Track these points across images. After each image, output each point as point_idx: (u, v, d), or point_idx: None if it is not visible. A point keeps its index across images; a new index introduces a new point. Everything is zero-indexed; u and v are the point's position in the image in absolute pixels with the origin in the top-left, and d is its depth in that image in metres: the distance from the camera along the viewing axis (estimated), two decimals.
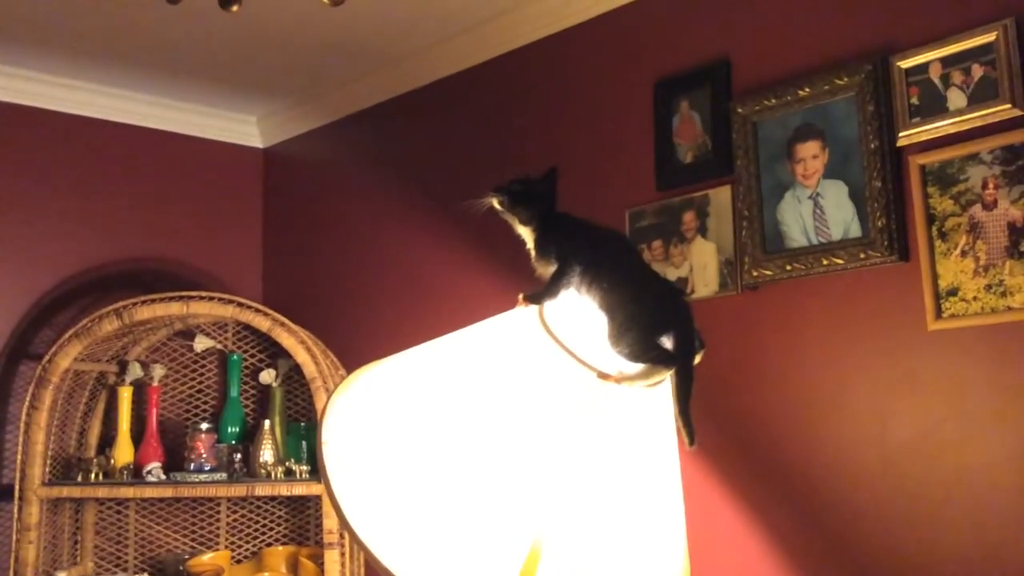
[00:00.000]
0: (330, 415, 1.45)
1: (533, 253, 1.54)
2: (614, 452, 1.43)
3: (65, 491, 2.90)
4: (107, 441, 3.14)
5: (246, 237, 3.77)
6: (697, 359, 1.46)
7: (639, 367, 1.40)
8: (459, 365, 1.49)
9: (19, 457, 2.86)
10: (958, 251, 1.92)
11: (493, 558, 1.33)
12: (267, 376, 3.20)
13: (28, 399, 2.88)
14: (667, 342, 1.41)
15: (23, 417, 2.87)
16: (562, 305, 1.48)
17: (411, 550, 1.32)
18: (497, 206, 1.58)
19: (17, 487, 2.85)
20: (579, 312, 1.47)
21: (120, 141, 3.48)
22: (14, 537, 2.83)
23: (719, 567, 2.22)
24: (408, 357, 1.53)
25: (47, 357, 2.89)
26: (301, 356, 2.88)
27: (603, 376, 1.39)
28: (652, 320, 1.41)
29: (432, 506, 1.35)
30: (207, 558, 2.98)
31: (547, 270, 1.51)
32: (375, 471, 1.39)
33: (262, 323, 2.93)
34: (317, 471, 2.93)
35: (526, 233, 1.55)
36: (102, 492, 2.94)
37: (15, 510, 2.84)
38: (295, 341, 2.89)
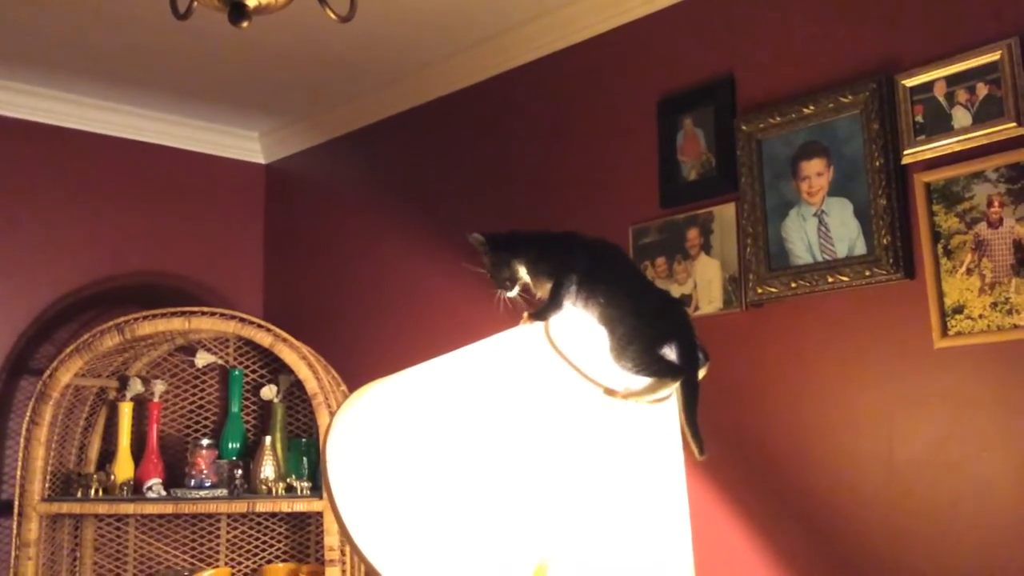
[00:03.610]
0: (334, 432, 1.44)
1: (531, 281, 1.52)
2: (620, 468, 1.42)
3: (64, 507, 2.88)
4: (107, 457, 3.12)
5: (248, 252, 3.77)
6: (703, 372, 1.45)
7: (645, 382, 1.39)
8: (464, 382, 1.49)
9: (19, 472, 2.84)
10: (964, 269, 1.92)
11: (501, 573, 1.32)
12: (268, 392, 3.19)
13: (28, 414, 2.87)
14: (669, 353, 1.40)
15: (23, 432, 2.85)
16: (568, 321, 1.48)
17: (416, 567, 1.31)
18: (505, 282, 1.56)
19: (16, 503, 2.83)
20: (585, 328, 1.47)
21: (122, 156, 3.48)
22: (13, 553, 2.81)
23: None
24: (413, 374, 1.52)
25: (48, 372, 2.88)
26: (303, 372, 2.87)
27: (609, 392, 1.38)
28: (653, 332, 1.40)
29: (437, 523, 1.35)
30: (207, 575, 2.96)
31: (547, 289, 1.49)
32: (379, 488, 1.38)
33: (264, 339, 2.92)
34: (318, 487, 2.91)
35: (522, 271, 1.53)
36: (102, 508, 2.92)
37: (14, 526, 2.82)
38: (297, 357, 2.88)
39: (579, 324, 1.47)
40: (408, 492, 1.37)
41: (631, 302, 1.42)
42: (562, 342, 1.45)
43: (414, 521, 1.35)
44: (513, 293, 1.53)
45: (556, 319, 1.47)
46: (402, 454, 1.40)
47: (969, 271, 1.91)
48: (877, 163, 2.03)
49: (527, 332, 1.49)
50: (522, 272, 1.52)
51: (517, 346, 1.50)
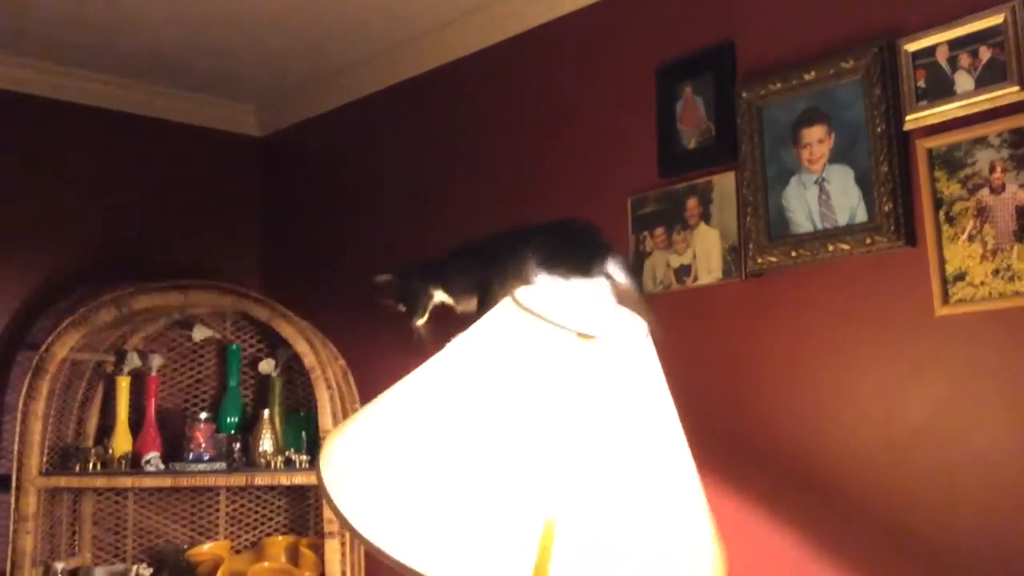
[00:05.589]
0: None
1: (452, 300, 1.64)
2: (611, 417, 1.41)
3: (63, 481, 2.87)
4: (105, 431, 3.11)
5: (245, 227, 3.75)
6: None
7: (616, 317, 1.41)
8: (450, 369, 1.47)
9: (16, 447, 2.83)
10: (965, 235, 1.90)
11: (506, 540, 1.31)
12: (266, 366, 3.18)
13: (25, 388, 2.85)
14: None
15: (20, 406, 2.84)
16: (535, 289, 1.48)
17: (420, 540, 1.30)
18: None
19: (14, 477, 2.82)
20: (552, 292, 1.48)
21: (115, 129, 3.46)
22: (11, 527, 2.80)
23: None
24: (400, 385, 1.51)
25: (44, 346, 2.87)
26: (300, 346, 2.86)
27: (583, 336, 1.37)
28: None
29: (437, 494, 1.34)
30: (206, 548, 2.95)
31: (472, 303, 1.58)
32: (373, 468, 1.37)
33: (261, 312, 2.91)
34: (316, 461, 2.90)
35: (439, 294, 1.66)
36: (100, 482, 2.92)
37: (12, 500, 2.81)
38: (294, 330, 2.87)
39: (546, 290, 1.48)
40: (403, 469, 1.36)
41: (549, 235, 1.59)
42: (530, 302, 1.44)
43: (414, 496, 1.34)
44: (423, 320, 1.65)
45: (524, 291, 1.47)
46: (395, 434, 1.39)
47: (971, 238, 1.89)
48: (878, 129, 2.01)
49: (498, 307, 1.48)
50: (439, 295, 1.62)
51: (491, 323, 1.49)
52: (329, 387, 2.86)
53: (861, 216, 2.04)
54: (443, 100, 3.12)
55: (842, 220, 2.08)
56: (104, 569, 2.95)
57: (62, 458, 2.99)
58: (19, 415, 2.83)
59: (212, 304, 2.98)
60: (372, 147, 3.38)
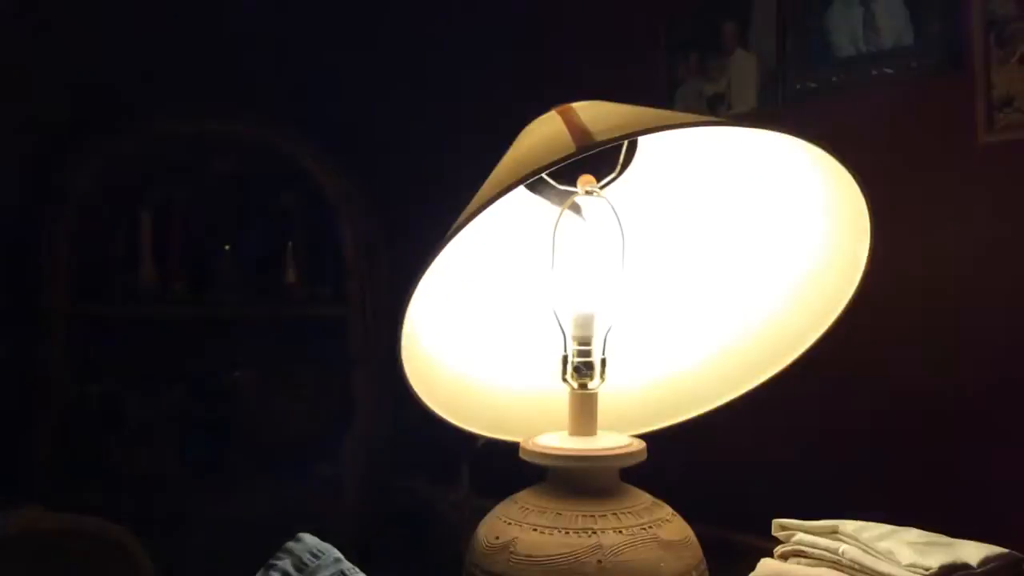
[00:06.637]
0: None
1: None
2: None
3: (90, 310, 2.90)
4: (130, 263, 3.11)
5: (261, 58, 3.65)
6: None
7: None
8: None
9: (42, 277, 2.84)
10: (1016, 58, 1.82)
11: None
12: (289, 198, 3.15)
13: (48, 219, 2.85)
14: None
15: (44, 238, 2.84)
16: None
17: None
18: None
19: (41, 306, 2.84)
20: None
21: None
22: (40, 356, 2.84)
23: None
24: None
25: (64, 176, 2.84)
26: (323, 177, 2.83)
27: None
28: None
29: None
30: (236, 375, 3.00)
31: None
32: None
33: (285, 145, 2.87)
34: (341, 294, 2.91)
35: None
36: (126, 311, 2.94)
37: (40, 329, 2.84)
38: (317, 162, 2.84)
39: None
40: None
41: None
42: None
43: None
44: None
45: None
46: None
47: (1021, 61, 1.82)
48: None
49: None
50: None
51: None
52: (352, 220, 2.85)
53: (907, 39, 1.96)
54: None
55: (887, 43, 2.00)
56: (136, 394, 3.01)
57: (88, 288, 3.00)
58: (42, 242, 2.82)
59: (234, 133, 2.93)
60: None
